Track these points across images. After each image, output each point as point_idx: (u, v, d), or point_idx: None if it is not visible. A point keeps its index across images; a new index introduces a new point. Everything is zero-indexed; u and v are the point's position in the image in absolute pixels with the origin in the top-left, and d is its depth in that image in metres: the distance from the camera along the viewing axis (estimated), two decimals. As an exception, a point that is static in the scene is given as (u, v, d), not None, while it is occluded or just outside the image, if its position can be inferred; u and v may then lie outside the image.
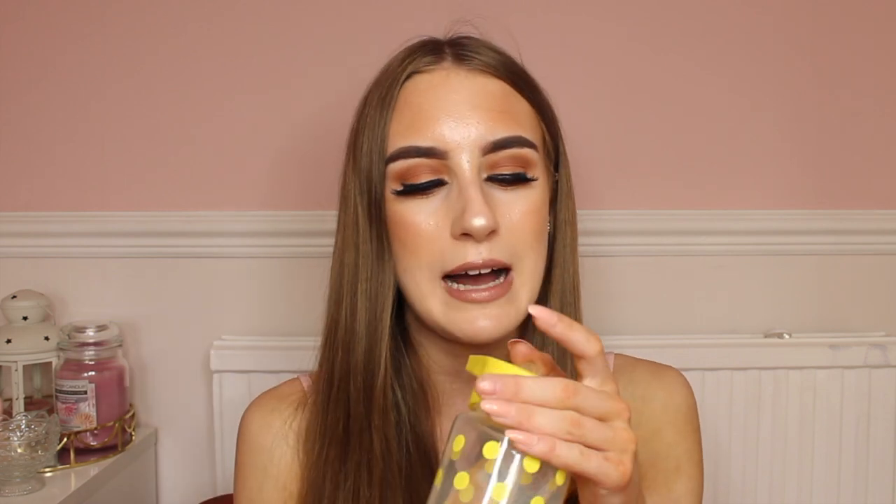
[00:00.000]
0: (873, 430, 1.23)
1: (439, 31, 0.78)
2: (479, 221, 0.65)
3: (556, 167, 0.77)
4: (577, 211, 1.24)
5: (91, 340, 1.16)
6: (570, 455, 0.49)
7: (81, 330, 1.16)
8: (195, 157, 1.26)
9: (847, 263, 1.29)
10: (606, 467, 0.50)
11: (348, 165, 0.74)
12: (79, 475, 1.09)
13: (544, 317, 0.52)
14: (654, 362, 0.82)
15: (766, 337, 1.26)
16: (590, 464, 0.49)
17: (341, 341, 0.72)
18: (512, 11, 1.24)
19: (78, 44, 1.25)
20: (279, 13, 1.24)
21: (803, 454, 1.22)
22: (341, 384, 0.72)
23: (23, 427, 1.03)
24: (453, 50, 0.72)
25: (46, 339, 1.17)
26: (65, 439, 1.10)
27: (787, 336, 1.24)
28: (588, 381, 0.54)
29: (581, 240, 1.23)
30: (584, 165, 1.26)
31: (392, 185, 0.69)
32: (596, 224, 1.25)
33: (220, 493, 1.21)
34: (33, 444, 1.02)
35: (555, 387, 0.50)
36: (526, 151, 0.69)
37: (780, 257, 1.28)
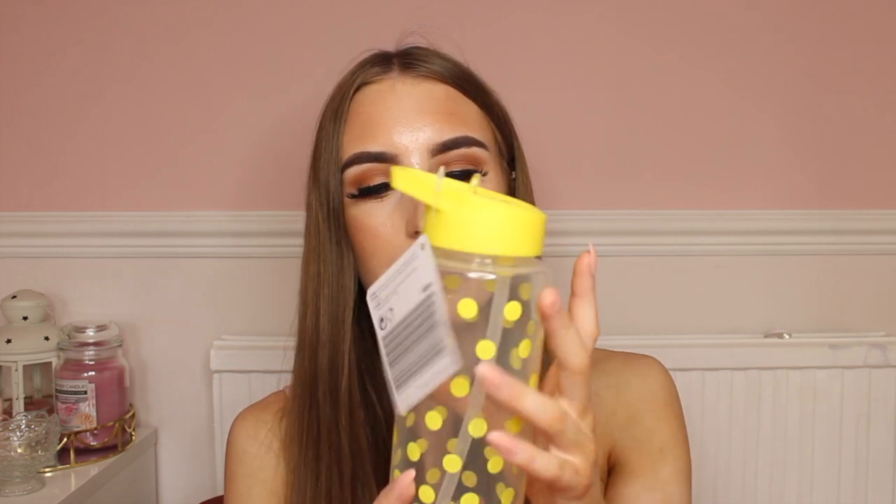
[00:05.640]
0: (873, 430, 1.23)
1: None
2: None
3: (512, 166, 0.78)
4: (579, 211, 1.25)
5: (91, 340, 1.16)
6: (549, 466, 0.46)
7: (81, 330, 1.16)
8: (195, 157, 1.26)
9: (847, 263, 1.29)
10: (577, 478, 0.48)
11: (310, 178, 0.76)
12: (79, 475, 1.09)
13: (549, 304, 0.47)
14: (628, 352, 0.83)
15: (766, 337, 1.26)
16: (564, 474, 0.47)
17: (308, 347, 0.75)
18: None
19: (78, 45, 1.25)
20: (277, 14, 1.24)
21: (803, 454, 1.22)
22: (311, 388, 0.74)
23: (23, 427, 1.03)
24: (400, 60, 0.74)
25: (46, 339, 1.17)
26: (65, 439, 1.10)
27: (787, 336, 1.24)
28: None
29: (581, 240, 1.25)
30: (585, 166, 1.26)
31: (349, 191, 0.71)
32: (596, 224, 1.25)
33: (220, 493, 1.21)
34: (33, 444, 1.02)
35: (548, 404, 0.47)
36: (475, 150, 0.70)
37: (780, 257, 1.28)
